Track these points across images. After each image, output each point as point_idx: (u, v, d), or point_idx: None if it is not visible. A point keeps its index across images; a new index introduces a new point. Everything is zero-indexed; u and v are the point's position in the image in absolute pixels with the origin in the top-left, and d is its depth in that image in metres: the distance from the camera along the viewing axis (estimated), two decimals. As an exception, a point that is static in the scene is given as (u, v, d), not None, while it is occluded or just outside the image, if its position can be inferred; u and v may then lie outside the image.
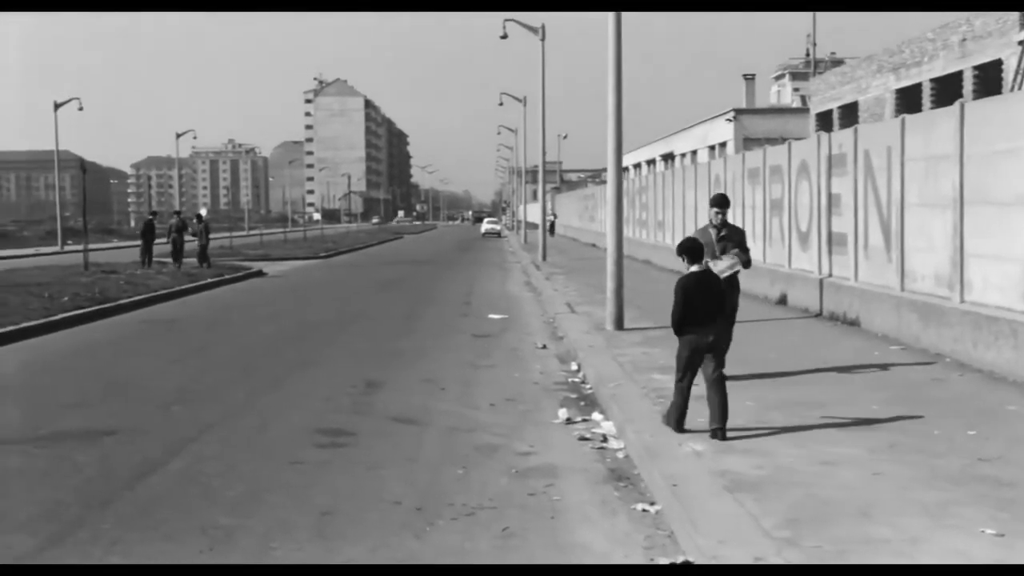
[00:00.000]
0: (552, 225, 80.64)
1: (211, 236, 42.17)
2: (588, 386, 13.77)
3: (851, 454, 9.07)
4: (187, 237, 40.33)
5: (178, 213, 43.32)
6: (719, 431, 9.68)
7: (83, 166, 39.12)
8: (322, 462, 9.80)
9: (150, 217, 41.79)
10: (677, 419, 10.04)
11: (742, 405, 11.20)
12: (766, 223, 23.37)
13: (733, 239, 12.42)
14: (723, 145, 59.93)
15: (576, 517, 8.05)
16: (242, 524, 7.86)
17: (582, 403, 12.67)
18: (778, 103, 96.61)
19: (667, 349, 15.47)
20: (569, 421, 11.52)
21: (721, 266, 11.83)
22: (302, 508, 8.25)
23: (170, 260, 38.37)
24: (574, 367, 15.45)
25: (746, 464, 8.75)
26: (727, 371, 10.19)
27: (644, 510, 8.17)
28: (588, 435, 10.82)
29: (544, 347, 17.74)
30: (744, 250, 12.40)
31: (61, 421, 11.84)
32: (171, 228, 40.19)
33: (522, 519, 7.95)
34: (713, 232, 12.45)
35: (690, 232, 31.35)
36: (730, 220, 12.88)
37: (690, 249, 10.09)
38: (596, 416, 11.71)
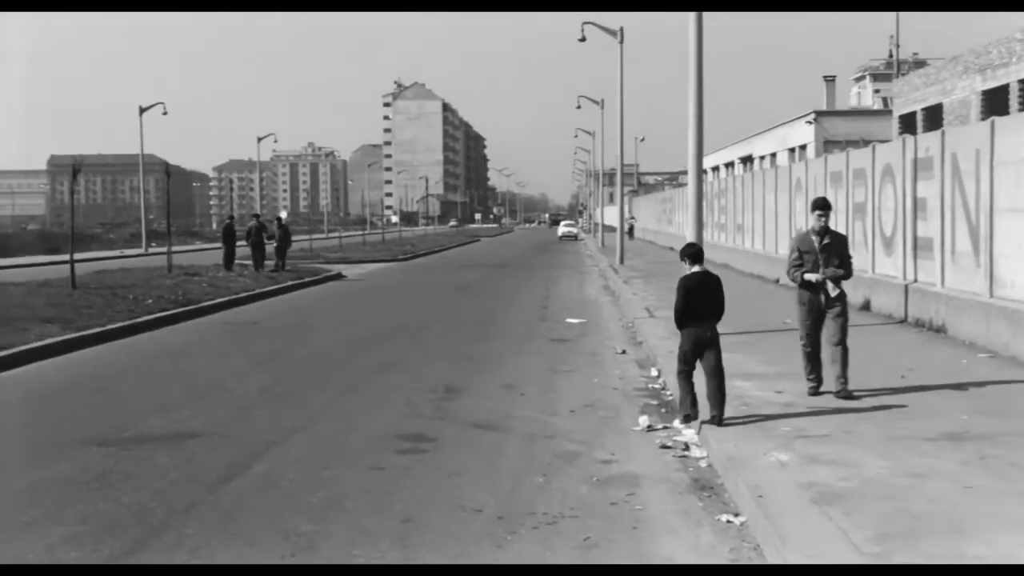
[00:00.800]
0: (631, 228, 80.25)
1: (292, 239, 42.35)
2: (669, 392, 13.62)
3: (941, 466, 8.85)
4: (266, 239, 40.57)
5: (256, 216, 43.53)
6: (716, 417, 10.67)
7: (167, 170, 39.66)
8: (403, 468, 9.78)
9: (229, 220, 42.15)
10: (690, 406, 11.08)
11: (827, 415, 11.03)
12: (849, 227, 23.00)
13: (836, 249, 12.06)
14: (803, 147, 59.26)
15: (659, 527, 7.94)
16: (324, 530, 7.86)
17: (663, 410, 12.53)
18: (859, 105, 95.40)
19: (750, 355, 15.32)
20: (650, 428, 11.40)
21: (815, 277, 11.88)
22: (384, 515, 8.24)
23: (250, 263, 38.69)
24: (654, 372, 15.32)
25: (832, 475, 8.57)
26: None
27: (728, 521, 8.05)
28: (670, 443, 10.70)
29: (623, 352, 17.62)
30: (846, 259, 12.14)
31: (145, 423, 11.97)
32: (249, 231, 40.44)
33: (604, 529, 7.86)
34: (815, 240, 12.02)
35: (771, 234, 31.12)
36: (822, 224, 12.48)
37: (692, 254, 11.15)
38: (677, 424, 11.57)
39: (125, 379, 15.63)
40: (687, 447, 10.52)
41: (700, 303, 10.90)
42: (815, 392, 12.16)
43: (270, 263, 38.90)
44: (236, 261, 38.75)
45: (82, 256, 39.41)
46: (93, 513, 8.40)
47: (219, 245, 42.38)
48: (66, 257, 28.93)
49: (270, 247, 40.26)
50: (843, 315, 12.11)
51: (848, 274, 12.14)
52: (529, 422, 11.86)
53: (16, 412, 12.96)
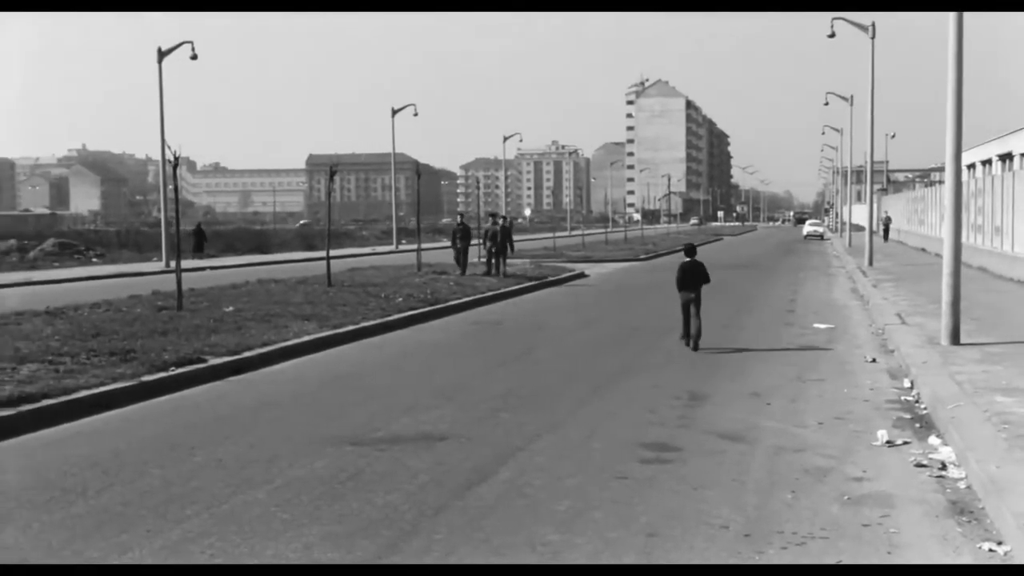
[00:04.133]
0: (887, 228, 77.24)
1: (515, 239, 39.94)
2: (923, 406, 13.08)
3: None
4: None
5: (493, 215, 41.46)
6: (695, 345, 18.19)
7: (417, 170, 40.58)
8: (647, 478, 9.72)
9: (460, 220, 40.37)
10: (684, 334, 18.55)
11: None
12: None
13: None
14: (1070, 144, 55.86)
15: (915, 554, 7.61)
16: (570, 541, 7.86)
17: (917, 425, 12.04)
18: None
19: (1012, 368, 14.58)
20: (890, 443, 10.97)
21: None
22: (628, 528, 8.19)
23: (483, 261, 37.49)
24: (907, 384, 14.75)
25: (1107, 506, 8.01)
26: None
27: (991, 550, 7.63)
28: (925, 461, 10.26)
29: (873, 361, 17.04)
30: None
31: (396, 423, 12.31)
32: (485, 233, 38.68)
33: (856, 553, 7.59)
34: None
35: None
36: None
37: (688, 250, 19.31)
38: (933, 440, 11.10)
39: (376, 377, 16.14)
40: (944, 466, 10.08)
41: (688, 278, 18.44)
42: None
43: (515, 262, 37.02)
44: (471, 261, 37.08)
45: (337, 253, 40.73)
46: (348, 513, 8.68)
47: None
48: (322, 254, 30.11)
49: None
50: None
51: None
52: (776, 433, 11.60)
53: (277, 409, 13.53)
